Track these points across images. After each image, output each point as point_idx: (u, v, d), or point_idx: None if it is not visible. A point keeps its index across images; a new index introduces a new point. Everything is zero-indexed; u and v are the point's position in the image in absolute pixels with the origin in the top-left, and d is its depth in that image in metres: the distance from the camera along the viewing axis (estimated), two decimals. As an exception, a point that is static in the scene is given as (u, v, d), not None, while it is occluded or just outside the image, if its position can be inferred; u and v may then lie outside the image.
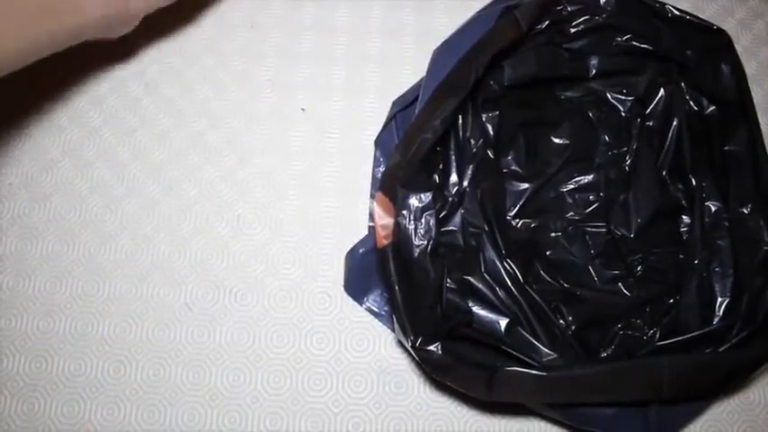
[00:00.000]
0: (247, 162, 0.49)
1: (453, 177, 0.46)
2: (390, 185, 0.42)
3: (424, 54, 0.46)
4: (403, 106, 0.49)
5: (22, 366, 0.44)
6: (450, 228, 0.45)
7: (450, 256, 0.44)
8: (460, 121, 0.46)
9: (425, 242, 0.41)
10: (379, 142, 0.50)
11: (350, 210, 0.49)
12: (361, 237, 0.47)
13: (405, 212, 0.41)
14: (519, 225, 0.48)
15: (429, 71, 0.44)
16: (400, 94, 0.50)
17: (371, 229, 0.48)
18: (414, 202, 0.41)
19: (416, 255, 0.41)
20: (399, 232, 0.41)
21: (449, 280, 0.42)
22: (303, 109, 0.51)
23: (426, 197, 0.42)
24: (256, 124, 0.50)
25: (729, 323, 0.40)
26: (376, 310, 0.46)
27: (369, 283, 0.46)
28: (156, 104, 0.51)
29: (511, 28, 0.44)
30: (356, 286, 0.46)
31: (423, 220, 0.41)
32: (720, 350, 0.39)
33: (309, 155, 0.50)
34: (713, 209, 0.44)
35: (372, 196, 0.49)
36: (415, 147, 0.41)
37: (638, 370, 0.38)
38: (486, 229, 0.45)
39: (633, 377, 0.37)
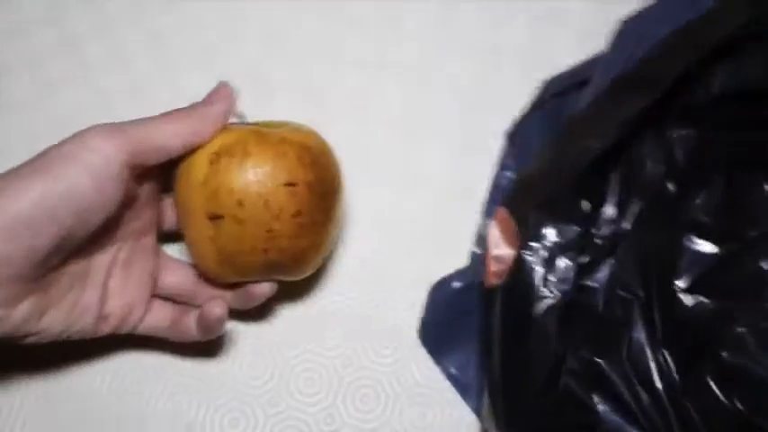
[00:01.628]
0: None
1: (610, 211, 0.45)
2: (522, 202, 0.42)
3: (596, 21, 0.46)
4: (557, 91, 0.49)
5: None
6: (591, 284, 0.44)
7: (582, 323, 0.43)
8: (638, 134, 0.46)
9: (555, 296, 0.41)
10: (515, 135, 0.50)
11: (447, 221, 0.50)
12: (458, 265, 0.48)
13: (535, 246, 0.41)
14: (690, 303, 0.46)
15: (611, 51, 0.44)
16: (556, 72, 0.51)
17: (477, 258, 0.48)
18: (551, 234, 0.42)
19: (538, 312, 0.41)
20: (520, 273, 0.41)
21: (572, 358, 0.42)
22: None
23: (570, 232, 0.42)
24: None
25: None
26: (458, 376, 0.46)
27: (456, 336, 0.47)
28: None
29: (742, 8, 0.43)
30: (436, 336, 0.47)
31: (558, 264, 0.41)
32: None
33: (402, 124, 0.53)
34: None
35: (488, 212, 0.49)
36: (572, 155, 0.41)
37: None
38: (642, 296, 0.44)
39: None
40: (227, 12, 0.58)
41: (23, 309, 0.39)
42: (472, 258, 0.48)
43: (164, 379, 0.47)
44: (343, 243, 0.51)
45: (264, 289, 0.44)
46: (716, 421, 0.43)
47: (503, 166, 0.50)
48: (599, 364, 0.43)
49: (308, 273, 0.45)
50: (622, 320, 0.44)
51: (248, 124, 0.43)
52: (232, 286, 0.45)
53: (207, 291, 0.46)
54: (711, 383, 0.44)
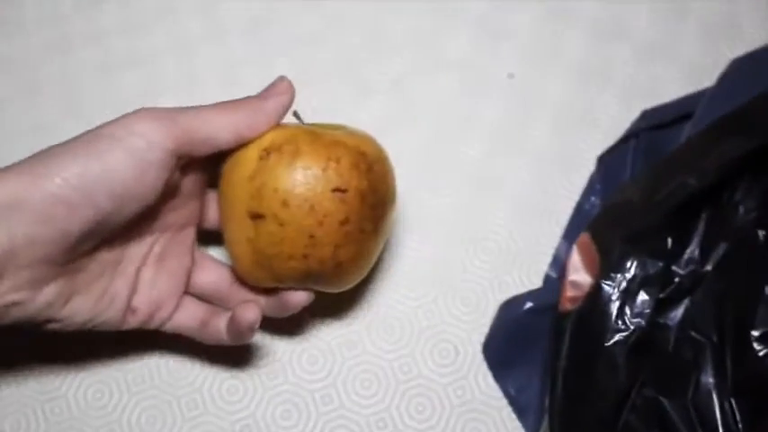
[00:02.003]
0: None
1: (693, 251, 0.46)
2: (606, 230, 0.43)
3: (706, 55, 0.47)
4: (655, 123, 0.50)
5: None
6: (665, 321, 0.45)
7: (651, 360, 0.44)
8: (731, 180, 0.46)
9: (628, 330, 0.42)
10: (606, 162, 0.50)
11: (524, 239, 0.51)
12: (530, 286, 0.49)
13: (616, 277, 0.42)
14: (765, 354, 0.45)
15: (718, 88, 0.45)
16: (657, 103, 0.52)
17: (551, 281, 0.49)
18: (634, 267, 0.42)
19: (610, 343, 0.41)
20: (597, 301, 0.42)
21: (636, 394, 0.43)
22: (511, 75, 0.55)
23: (654, 267, 0.43)
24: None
25: None
26: (517, 397, 0.47)
27: (520, 355, 0.47)
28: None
29: None
30: (500, 352, 0.47)
31: (637, 299, 0.42)
32: None
33: (490, 134, 0.54)
34: None
35: (568, 235, 0.50)
36: (666, 190, 0.42)
37: None
38: (715, 340, 0.44)
39: None
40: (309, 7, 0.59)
41: (49, 292, 0.38)
42: (546, 280, 0.49)
43: (217, 365, 0.48)
44: (415, 248, 0.51)
45: (300, 298, 0.43)
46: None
47: (590, 191, 0.50)
48: (663, 403, 0.43)
49: (349, 286, 0.44)
50: (692, 362, 0.44)
51: (304, 124, 0.43)
52: (268, 292, 0.44)
53: (241, 294, 0.45)
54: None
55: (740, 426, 0.43)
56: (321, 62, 0.58)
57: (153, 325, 0.44)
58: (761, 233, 0.46)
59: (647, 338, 0.43)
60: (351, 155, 0.40)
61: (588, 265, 0.43)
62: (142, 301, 0.43)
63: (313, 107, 0.54)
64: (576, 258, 0.44)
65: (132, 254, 0.43)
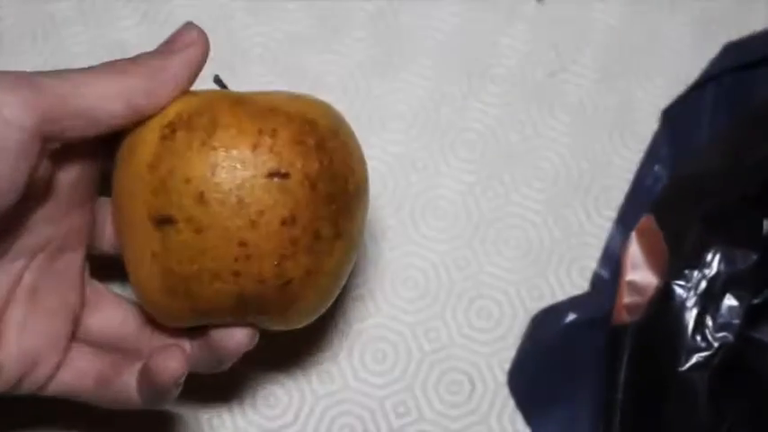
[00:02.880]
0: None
1: None
2: (678, 211, 0.42)
3: None
4: (742, 61, 0.49)
5: None
6: (762, 336, 0.43)
7: (746, 390, 0.43)
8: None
9: (712, 348, 0.40)
10: (674, 117, 0.50)
11: (562, 228, 0.50)
12: (574, 291, 0.48)
13: (693, 275, 0.41)
14: None
15: None
16: (742, 35, 0.51)
17: (603, 283, 0.47)
18: (717, 261, 0.41)
19: (685, 367, 0.40)
20: (666, 310, 0.41)
21: None
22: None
23: (746, 260, 0.41)
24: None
25: None
26: None
27: (561, 387, 0.46)
28: None
29: None
30: (533, 384, 0.47)
31: (723, 305, 0.41)
32: None
33: (512, 81, 0.54)
34: None
35: (625, 220, 0.49)
36: (760, 153, 0.41)
37: None
38: None
39: None
40: None
41: None
42: (595, 283, 0.48)
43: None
44: (410, 242, 0.51)
45: (238, 339, 0.40)
46: None
47: (653, 158, 0.50)
48: None
49: (306, 320, 0.41)
50: None
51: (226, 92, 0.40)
52: (192, 333, 0.41)
53: (155, 340, 0.42)
54: None
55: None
56: None
57: (26, 388, 0.40)
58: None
59: (738, 360, 0.43)
60: (292, 125, 0.37)
61: (653, 260, 0.42)
62: (8, 356, 0.39)
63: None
64: (635, 251, 0.43)
65: None
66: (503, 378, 0.47)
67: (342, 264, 0.40)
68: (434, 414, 0.46)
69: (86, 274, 0.43)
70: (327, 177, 0.37)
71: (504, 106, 0.52)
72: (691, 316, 0.40)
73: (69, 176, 0.40)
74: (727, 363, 0.40)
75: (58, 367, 0.41)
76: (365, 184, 0.40)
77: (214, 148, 0.36)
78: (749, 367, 0.42)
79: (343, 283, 0.41)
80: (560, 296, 0.48)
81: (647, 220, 0.42)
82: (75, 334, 0.42)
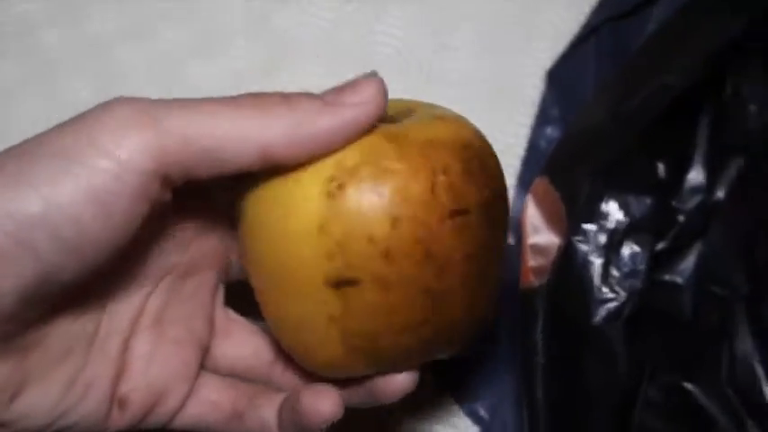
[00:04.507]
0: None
1: (696, 176, 0.45)
2: (571, 168, 0.42)
3: None
4: (619, 13, 0.49)
5: None
6: (672, 278, 0.44)
7: (662, 335, 0.43)
8: (731, 71, 0.45)
9: (621, 298, 0.41)
10: (559, 76, 0.51)
11: None
12: None
13: (590, 229, 0.41)
14: None
15: None
16: None
17: (509, 250, 0.47)
18: (614, 211, 0.41)
19: (597, 321, 0.40)
20: (570, 268, 0.41)
21: (649, 385, 0.42)
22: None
23: (642, 206, 0.41)
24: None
25: None
26: (490, 420, 0.47)
27: (484, 362, 0.47)
28: None
29: None
30: (455, 363, 0.46)
31: (624, 253, 0.41)
32: None
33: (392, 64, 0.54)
34: None
35: (524, 184, 0.49)
36: (641, 99, 0.41)
37: None
38: (746, 291, 0.43)
39: None
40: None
41: None
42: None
43: None
44: None
45: (404, 382, 0.38)
46: None
47: (544, 120, 0.51)
48: (690, 391, 0.42)
49: (466, 347, 0.39)
50: (719, 328, 0.43)
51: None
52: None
53: (289, 374, 0.41)
54: None
55: (803, 397, 0.43)
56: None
57: (154, 421, 0.39)
58: (752, 107, 0.46)
59: (650, 305, 0.43)
60: (456, 154, 0.35)
61: (552, 221, 0.42)
62: (135, 388, 0.38)
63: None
64: (533, 213, 0.43)
65: (114, 318, 0.38)
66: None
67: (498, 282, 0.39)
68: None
69: (219, 300, 0.42)
70: (495, 202, 0.36)
71: (391, 93, 0.52)
72: (595, 269, 0.40)
73: (195, 203, 0.39)
74: (640, 309, 0.40)
75: (186, 399, 0.40)
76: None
77: (392, 200, 0.33)
78: (660, 309, 0.43)
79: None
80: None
81: (540, 182, 0.42)
82: (204, 363, 0.41)
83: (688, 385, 0.42)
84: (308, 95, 0.34)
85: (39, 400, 0.35)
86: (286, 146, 0.33)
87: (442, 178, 0.34)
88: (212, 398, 0.40)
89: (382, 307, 0.34)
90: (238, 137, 0.33)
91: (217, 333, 0.41)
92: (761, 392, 0.42)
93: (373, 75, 0.35)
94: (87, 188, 0.31)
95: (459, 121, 0.37)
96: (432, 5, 0.55)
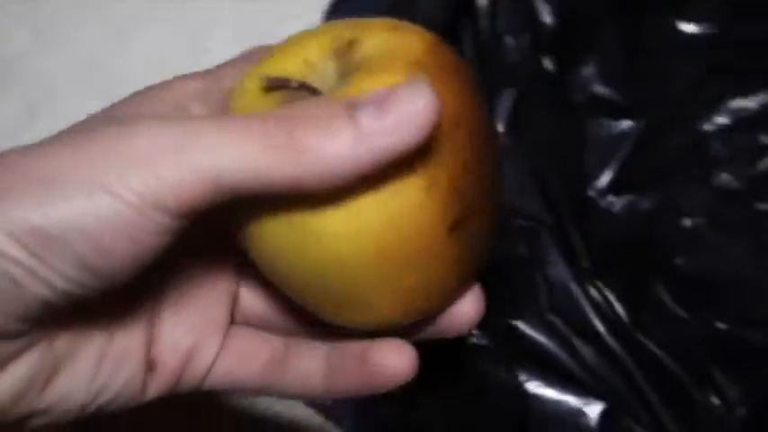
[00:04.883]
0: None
1: None
2: None
3: None
4: None
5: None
6: None
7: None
8: (484, 1, 0.46)
9: None
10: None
11: None
12: None
13: None
14: (616, 207, 0.47)
15: None
16: None
17: None
18: None
19: None
20: None
21: (476, 332, 0.43)
22: None
23: None
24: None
25: None
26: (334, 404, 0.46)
27: None
28: None
29: None
30: None
31: None
32: None
33: None
34: None
35: None
36: None
37: None
38: (550, 219, 0.45)
39: None
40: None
41: (15, 375, 0.31)
42: None
43: None
44: None
45: (473, 305, 0.34)
46: (685, 347, 0.44)
47: None
48: (515, 327, 0.43)
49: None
50: (529, 260, 0.45)
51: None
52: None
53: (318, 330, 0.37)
54: (670, 303, 0.45)
55: (619, 307, 0.45)
56: None
57: (187, 384, 0.36)
58: (545, 61, 0.48)
59: None
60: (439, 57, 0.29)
61: None
62: (166, 349, 0.35)
63: None
64: None
65: (140, 288, 0.35)
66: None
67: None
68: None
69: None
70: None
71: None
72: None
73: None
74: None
75: (218, 354, 0.36)
76: None
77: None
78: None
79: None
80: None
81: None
82: (234, 316, 0.37)
83: (515, 321, 0.43)
84: (343, 115, 0.27)
85: (73, 381, 0.33)
86: (319, 183, 0.28)
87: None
88: (245, 349, 0.36)
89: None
90: (267, 173, 0.29)
91: (242, 281, 0.38)
92: (580, 309, 0.43)
93: (423, 87, 0.27)
94: (107, 223, 0.29)
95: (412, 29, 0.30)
96: (190, 13, 0.55)
